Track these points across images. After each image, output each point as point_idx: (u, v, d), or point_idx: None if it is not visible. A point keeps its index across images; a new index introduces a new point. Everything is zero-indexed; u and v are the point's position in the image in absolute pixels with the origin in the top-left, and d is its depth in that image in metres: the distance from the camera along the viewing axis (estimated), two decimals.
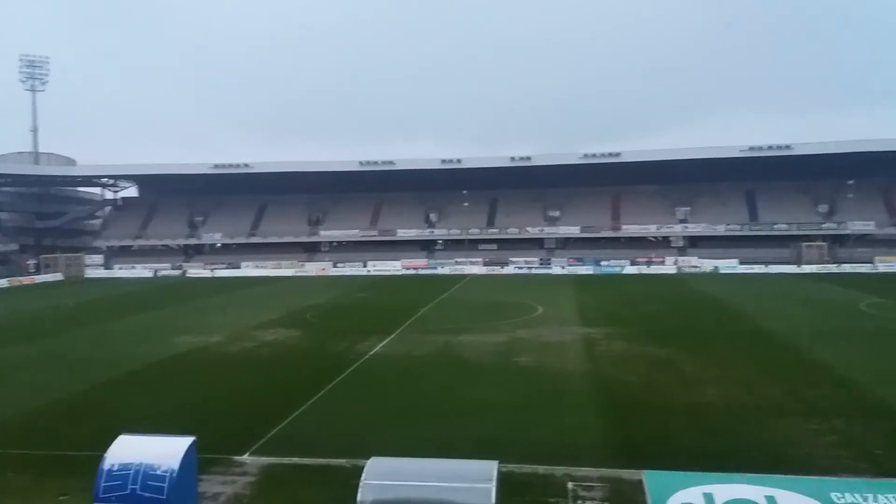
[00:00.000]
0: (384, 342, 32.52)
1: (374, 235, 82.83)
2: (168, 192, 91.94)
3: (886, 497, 9.50)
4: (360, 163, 77.48)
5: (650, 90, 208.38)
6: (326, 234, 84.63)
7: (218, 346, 32.81)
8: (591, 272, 71.37)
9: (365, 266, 78.15)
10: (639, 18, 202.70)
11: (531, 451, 17.10)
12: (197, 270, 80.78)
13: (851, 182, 70.04)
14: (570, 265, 73.58)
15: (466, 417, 20.30)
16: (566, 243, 79.08)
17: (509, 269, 74.09)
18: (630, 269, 71.12)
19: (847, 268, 66.97)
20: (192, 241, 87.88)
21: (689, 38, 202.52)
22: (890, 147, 67.60)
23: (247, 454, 17.31)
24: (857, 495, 9.52)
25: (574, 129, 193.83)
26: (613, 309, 43.66)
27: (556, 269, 73.25)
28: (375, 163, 77.31)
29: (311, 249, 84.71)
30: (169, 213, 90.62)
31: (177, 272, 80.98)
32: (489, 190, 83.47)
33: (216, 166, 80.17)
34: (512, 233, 79.33)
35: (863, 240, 72.35)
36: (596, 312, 41.91)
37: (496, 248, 79.61)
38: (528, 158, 74.55)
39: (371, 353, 30.13)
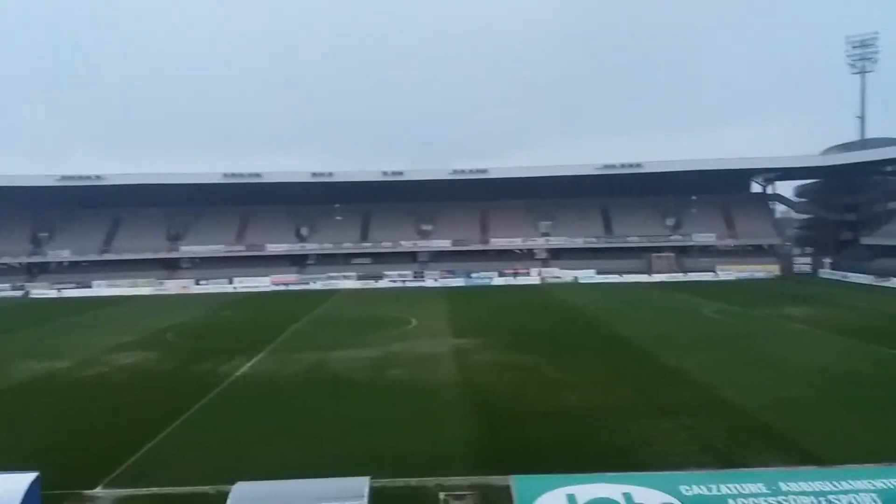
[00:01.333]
0: (251, 362, 31.32)
1: (241, 250, 79.77)
2: (8, 207, 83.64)
3: (728, 486, 10.37)
4: (225, 175, 74.47)
5: (519, 111, 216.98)
6: (188, 249, 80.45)
7: (67, 373, 30.16)
8: (462, 284, 72.92)
9: (231, 283, 75.01)
10: (507, 44, 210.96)
11: (403, 464, 17.10)
12: (42, 291, 73.93)
13: (695, 198, 76.59)
14: (442, 278, 74.74)
15: (338, 435, 19.97)
16: (438, 256, 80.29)
17: (383, 283, 74.04)
18: (498, 281, 73.42)
19: (692, 276, 72.87)
20: (37, 259, 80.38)
21: (554, 64, 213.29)
22: (726, 166, 74.73)
23: (99, 487, 16.02)
24: (703, 487, 10.32)
25: (446, 144, 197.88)
26: (483, 319, 44.76)
27: (429, 282, 74.12)
28: (241, 175, 74.64)
29: (171, 266, 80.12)
30: (9, 229, 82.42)
31: (18, 293, 73.68)
32: (362, 204, 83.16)
33: (63, 178, 73.94)
34: (385, 246, 79.42)
35: (705, 250, 79.19)
36: (467, 323, 42.77)
37: (370, 262, 79.31)
38: (401, 173, 75.13)
39: (237, 374, 28.90)
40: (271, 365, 30.66)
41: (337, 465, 16.18)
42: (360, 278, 75.12)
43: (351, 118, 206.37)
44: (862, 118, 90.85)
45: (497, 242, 79.56)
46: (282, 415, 22.40)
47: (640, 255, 77.00)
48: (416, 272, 76.69)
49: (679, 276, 72.65)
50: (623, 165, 73.69)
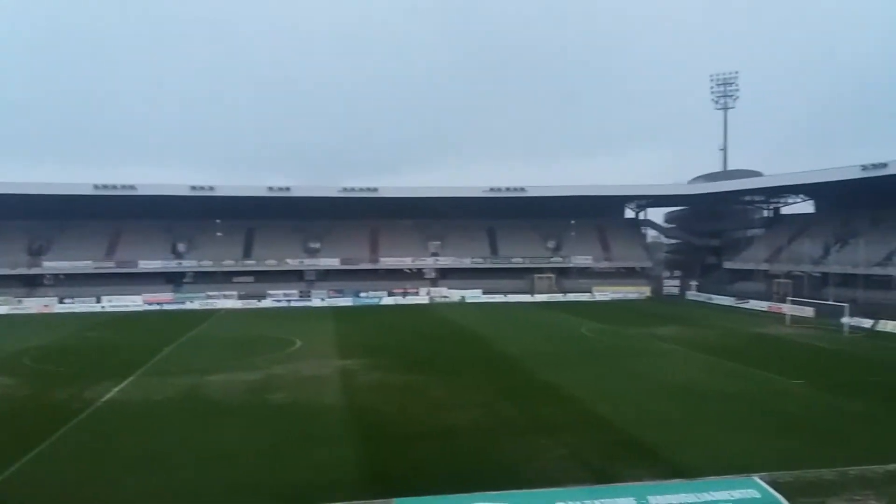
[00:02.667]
0: (119, 387, 29.26)
1: (111, 267, 74.66)
2: None
3: (601, 501, 10.75)
4: (95, 186, 69.66)
5: (412, 132, 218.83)
6: (51, 265, 74.34)
7: None
8: (350, 303, 71.97)
9: (99, 301, 69.92)
10: (397, 68, 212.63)
11: (283, 492, 16.52)
12: None
13: (574, 222, 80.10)
14: (330, 297, 73.42)
15: (214, 464, 18.99)
16: (326, 275, 78.89)
17: (267, 303, 71.69)
18: (387, 300, 73.14)
19: (571, 296, 75.93)
20: None
21: (447, 91, 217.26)
22: (603, 192, 78.83)
23: None
24: (578, 503, 10.64)
25: (336, 162, 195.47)
26: (371, 340, 44.36)
27: (316, 302, 72.56)
28: (113, 187, 70.05)
29: (30, 283, 73.69)
30: None
31: None
32: (245, 220, 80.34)
33: None
34: (270, 264, 77.03)
35: (583, 272, 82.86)
36: (354, 344, 42.19)
37: (253, 280, 76.58)
38: (288, 189, 73.40)
39: (103, 399, 26.90)
40: (141, 390, 28.77)
41: (211, 497, 15.37)
42: (241, 297, 72.36)
43: (237, 133, 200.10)
44: (724, 151, 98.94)
45: (386, 262, 79.33)
46: (152, 444, 21.01)
47: (523, 276, 79.33)
48: (302, 291, 74.89)
49: (559, 297, 75.44)
50: (508, 189, 75.92)
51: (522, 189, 75.95)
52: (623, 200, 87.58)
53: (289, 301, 72.58)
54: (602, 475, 17.17)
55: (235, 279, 76.05)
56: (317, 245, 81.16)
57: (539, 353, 37.90)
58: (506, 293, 74.99)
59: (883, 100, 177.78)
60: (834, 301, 51.02)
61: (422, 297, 74.42)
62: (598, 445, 20.49)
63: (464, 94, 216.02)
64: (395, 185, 79.31)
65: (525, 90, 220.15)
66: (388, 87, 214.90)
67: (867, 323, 48.14)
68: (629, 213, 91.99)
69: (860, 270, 57.15)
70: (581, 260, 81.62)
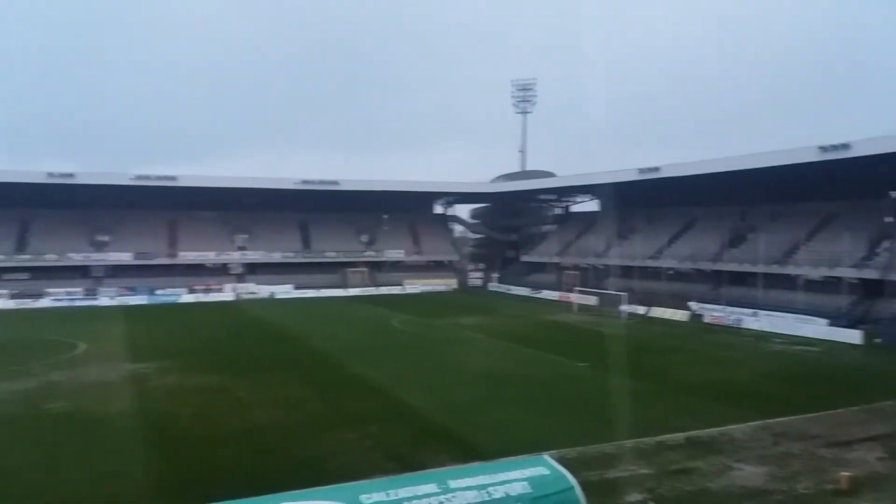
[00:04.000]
0: None
1: None
2: None
3: (405, 490, 10.94)
4: None
5: (219, 117, 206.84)
6: None
7: None
8: (145, 302, 66.47)
9: None
10: (201, 53, 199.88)
11: None
12: None
13: (386, 216, 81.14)
14: (121, 295, 67.24)
15: None
16: (117, 271, 72.11)
17: (45, 302, 63.93)
18: (188, 298, 68.60)
19: (384, 290, 76.85)
20: None
21: (258, 74, 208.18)
22: (413, 188, 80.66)
23: None
24: (382, 493, 10.74)
25: (127, 149, 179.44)
26: (167, 341, 41.42)
27: (104, 301, 65.99)
28: None
29: None
30: None
31: None
32: (19, 209, 71.01)
33: None
34: (50, 259, 68.77)
35: (395, 265, 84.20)
36: (148, 346, 39.10)
37: (28, 277, 67.83)
38: (71, 175, 65.86)
39: None
40: None
41: None
42: (14, 297, 63.92)
43: (17, 115, 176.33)
44: (523, 152, 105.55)
45: (187, 256, 74.37)
46: None
47: (335, 270, 78.77)
48: (88, 289, 67.87)
49: (372, 290, 75.98)
50: (321, 182, 74.80)
51: (336, 182, 75.25)
52: (433, 196, 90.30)
53: (72, 300, 65.40)
54: (407, 464, 17.61)
55: (6, 276, 66.95)
56: (105, 238, 73.95)
57: (350, 348, 37.91)
58: (318, 288, 73.93)
59: (656, 108, 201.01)
60: (614, 290, 56.78)
61: (227, 294, 70.92)
62: (404, 435, 20.98)
63: (276, 85, 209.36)
64: (198, 174, 74.39)
65: (340, 85, 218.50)
66: (191, 74, 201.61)
67: (642, 310, 54.18)
68: (438, 209, 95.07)
69: (637, 263, 64.16)
70: (393, 254, 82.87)
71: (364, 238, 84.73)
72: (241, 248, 77.97)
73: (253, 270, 76.95)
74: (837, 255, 46.59)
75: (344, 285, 76.46)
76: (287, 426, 21.91)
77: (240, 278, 75.57)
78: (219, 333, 45.19)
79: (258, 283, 73.74)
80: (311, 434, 20.95)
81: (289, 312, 56.76)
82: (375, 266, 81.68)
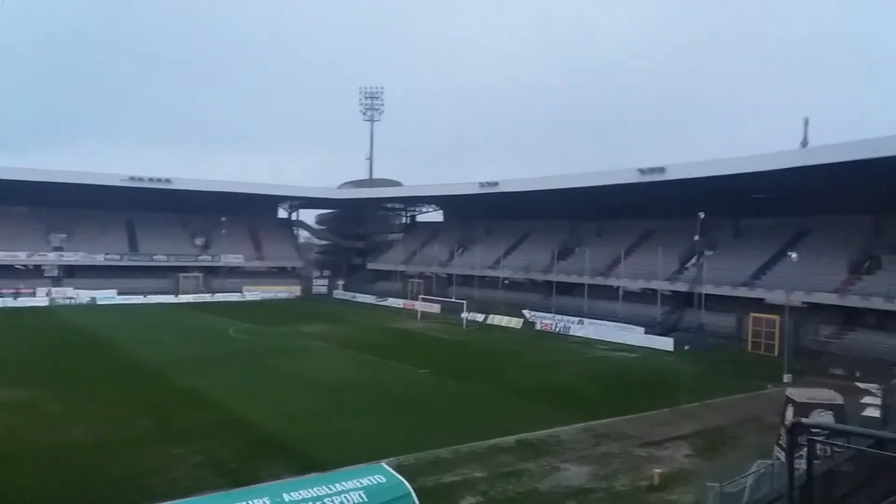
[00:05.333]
0: None
1: None
2: None
3: None
4: None
5: (28, 106, 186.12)
6: None
7: None
8: None
9: None
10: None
11: None
12: None
13: (224, 219, 77.28)
14: None
15: None
16: None
17: None
18: None
19: (220, 297, 73.06)
20: None
21: (76, 67, 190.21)
22: (256, 191, 77.59)
23: None
24: None
25: None
26: None
27: None
28: None
29: None
30: None
31: None
32: None
33: None
34: None
35: (234, 271, 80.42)
36: None
37: None
38: None
39: None
40: None
41: None
42: None
43: None
44: (371, 160, 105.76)
45: None
46: None
47: (167, 275, 73.88)
48: None
49: (207, 297, 72.09)
50: (151, 179, 69.78)
51: (168, 180, 70.51)
52: (276, 200, 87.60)
53: None
54: (239, 478, 16.84)
55: None
56: None
57: (181, 358, 35.71)
58: (146, 294, 68.77)
59: (502, 126, 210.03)
60: (456, 298, 58.38)
61: (40, 299, 63.99)
62: (237, 448, 20.11)
63: (101, 73, 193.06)
64: (9, 164, 66.32)
65: (175, 78, 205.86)
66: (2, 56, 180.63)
67: (480, 317, 56.15)
68: (282, 213, 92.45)
69: (476, 272, 66.45)
70: (232, 259, 79.16)
71: (199, 241, 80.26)
72: (58, 249, 70.83)
73: (71, 273, 70.14)
74: (653, 269, 51.22)
75: (176, 291, 71.82)
76: (106, 443, 20.15)
77: (55, 281, 68.55)
78: (29, 342, 40.82)
79: (77, 288, 67.21)
80: (133, 451, 19.43)
81: (112, 320, 52.32)
82: (212, 271, 77.62)
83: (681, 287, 49.68)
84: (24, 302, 62.49)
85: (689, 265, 51.47)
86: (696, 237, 47.11)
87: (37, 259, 69.46)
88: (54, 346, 39.97)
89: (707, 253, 48.56)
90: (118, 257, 72.63)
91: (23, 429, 21.51)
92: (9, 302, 61.73)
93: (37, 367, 32.65)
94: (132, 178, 68.40)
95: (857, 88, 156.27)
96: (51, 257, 70.08)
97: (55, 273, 70.04)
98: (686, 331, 45.77)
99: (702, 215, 46.14)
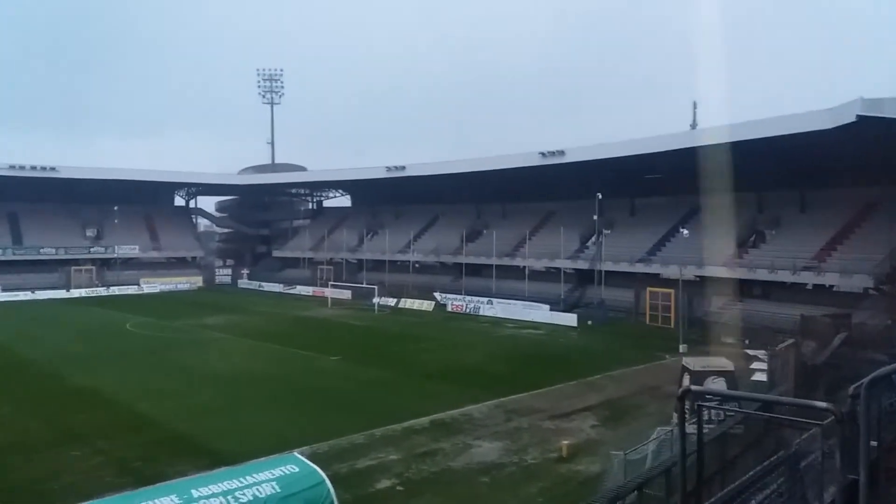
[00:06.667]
0: None
1: None
2: None
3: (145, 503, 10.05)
4: None
5: None
6: None
7: None
8: None
9: None
10: None
11: None
12: None
13: (117, 208, 73.18)
14: None
15: None
16: None
17: None
18: None
19: (116, 290, 69.20)
20: None
21: None
22: (150, 178, 73.85)
23: None
24: None
25: None
26: None
27: None
28: None
29: None
30: None
31: None
32: None
33: None
34: None
35: (129, 263, 76.34)
36: None
37: None
38: None
39: None
40: None
41: None
42: None
43: None
44: (272, 144, 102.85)
45: None
46: None
47: (56, 269, 69.33)
48: None
49: (101, 291, 68.23)
50: (34, 168, 65.09)
51: (53, 168, 65.98)
52: (172, 187, 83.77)
53: None
54: (143, 477, 16.16)
55: None
56: None
57: (73, 356, 33.70)
58: (34, 289, 64.26)
59: (407, 111, 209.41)
60: (367, 284, 58.06)
61: None
62: (139, 447, 19.26)
63: None
64: None
65: (66, 62, 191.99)
66: None
67: (392, 301, 56.12)
68: (179, 201, 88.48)
69: (387, 257, 66.28)
70: (127, 250, 75.08)
71: (90, 232, 75.70)
72: None
73: None
74: (556, 249, 52.85)
75: (67, 286, 67.56)
76: None
77: None
78: None
79: None
80: (24, 456, 18.25)
81: None
82: (105, 264, 73.45)
83: (582, 265, 51.54)
84: None
85: (589, 244, 53.43)
86: (595, 217, 48.92)
87: None
88: None
89: (605, 232, 50.61)
90: (1, 251, 67.42)
91: None
92: None
93: None
94: (12, 167, 63.63)
95: (745, 74, 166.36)
96: None
97: None
98: (588, 307, 47.60)
99: (600, 196, 47.93)
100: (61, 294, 65.25)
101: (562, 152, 49.70)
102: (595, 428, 21.27)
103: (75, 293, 66.13)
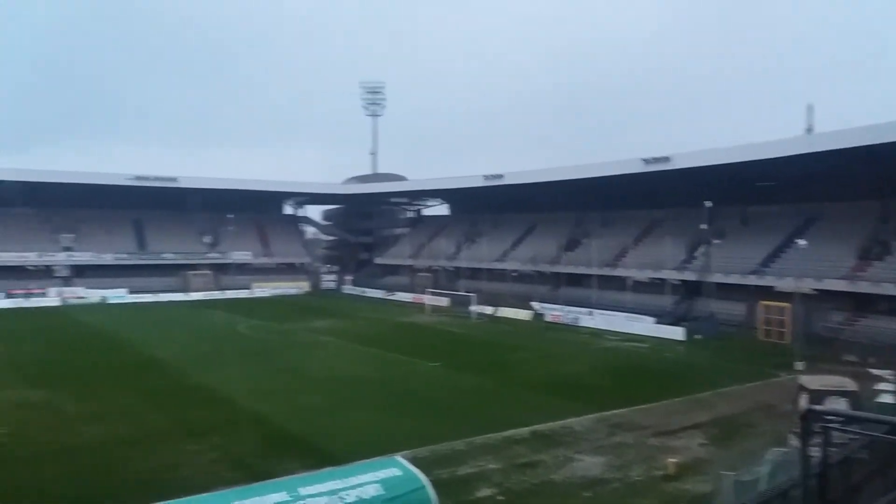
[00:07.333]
0: None
1: None
2: None
3: (252, 499, 10.51)
4: None
5: (34, 106, 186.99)
6: None
7: None
8: None
9: None
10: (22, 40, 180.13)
11: None
12: None
13: (231, 216, 77.49)
14: None
15: None
16: None
17: None
18: (5, 303, 61.31)
19: (230, 294, 73.38)
20: None
21: (81, 65, 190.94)
22: (262, 188, 77.90)
23: None
24: None
25: None
26: None
27: None
28: None
29: None
30: None
31: None
32: None
33: None
34: None
35: (242, 268, 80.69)
36: None
37: None
38: None
39: None
40: None
41: None
42: None
43: None
44: (374, 154, 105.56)
45: (3, 257, 66.61)
46: None
47: (176, 273, 74.15)
48: None
49: (216, 294, 72.32)
50: (158, 178, 70.04)
51: (174, 179, 70.75)
52: (282, 197, 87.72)
53: None
54: (255, 473, 16.90)
55: None
56: None
57: (192, 355, 35.86)
58: (156, 292, 69.00)
59: (501, 118, 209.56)
60: (464, 291, 58.35)
61: (51, 299, 64.32)
62: (251, 443, 20.18)
63: (107, 74, 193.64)
64: (15, 166, 66.56)
65: (177, 77, 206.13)
66: (6, 57, 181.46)
67: (489, 310, 56.09)
68: (288, 210, 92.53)
69: (484, 265, 66.40)
70: (240, 256, 79.37)
71: (207, 239, 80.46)
72: (67, 249, 71.17)
73: (81, 273, 70.45)
74: (661, 259, 51.06)
75: (185, 289, 72.07)
76: (120, 441, 20.23)
77: (66, 281, 68.88)
78: (43, 342, 41.05)
79: (88, 287, 67.55)
80: (146, 448, 19.53)
81: (123, 318, 52.58)
82: (220, 269, 77.83)
83: (689, 276, 49.49)
84: (36, 302, 62.82)
85: (697, 254, 51.27)
86: (704, 226, 46.90)
87: (46, 259, 69.85)
88: (67, 345, 40.18)
89: (715, 241, 48.35)
90: (127, 256, 72.97)
91: (39, 428, 21.62)
92: (21, 302, 62.08)
93: (51, 366, 32.84)
94: (138, 178, 68.71)
95: (860, 80, 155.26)
96: (60, 257, 70.46)
97: (65, 273, 70.34)
98: (696, 320, 45.62)
99: (709, 204, 45.94)
100: (180, 297, 69.60)
101: (666, 158, 48.03)
102: (704, 446, 20.31)
103: (193, 296, 70.37)
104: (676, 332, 42.98)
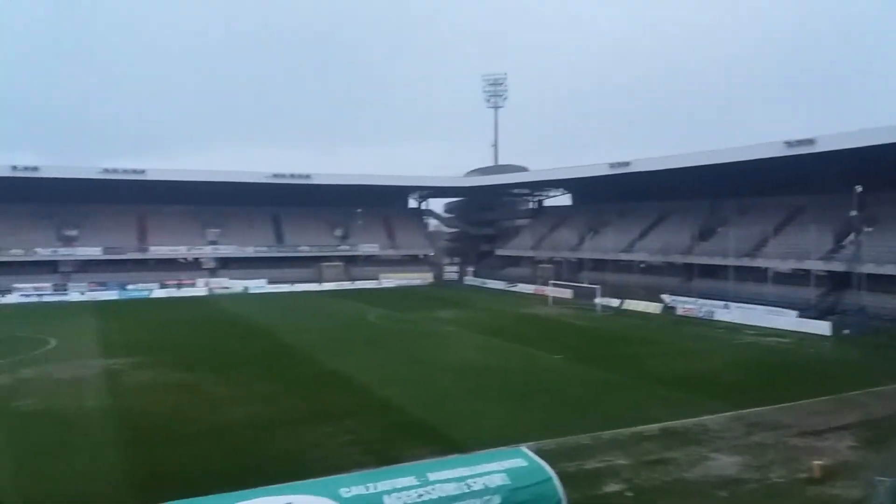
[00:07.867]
0: None
1: None
2: None
3: (383, 483, 10.93)
4: None
5: (185, 113, 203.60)
6: None
7: None
8: (116, 297, 65.29)
9: None
10: (169, 45, 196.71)
11: None
12: None
13: (360, 210, 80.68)
14: (91, 290, 65.97)
15: None
16: (86, 266, 70.70)
17: (13, 298, 62.36)
18: (159, 293, 67.56)
19: (359, 284, 76.49)
20: None
21: (221, 69, 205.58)
22: (387, 182, 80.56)
23: None
24: (361, 487, 10.71)
25: (94, 141, 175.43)
26: (140, 336, 40.78)
27: (74, 296, 64.70)
28: None
29: None
30: None
31: None
32: None
33: None
34: (16, 254, 67.19)
35: (370, 260, 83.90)
36: (120, 341, 38.45)
37: None
38: (36, 168, 64.34)
39: None
40: None
41: None
42: None
43: None
44: (496, 146, 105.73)
45: (158, 251, 73.27)
46: None
47: (310, 265, 78.20)
48: (56, 284, 66.51)
49: (347, 285, 75.57)
50: (293, 175, 74.02)
51: (308, 176, 74.52)
52: (406, 191, 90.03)
53: (40, 296, 63.98)
54: (384, 457, 17.54)
55: None
56: (74, 232, 72.50)
57: (326, 342, 37.69)
58: (293, 282, 73.20)
59: (625, 105, 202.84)
60: (588, 283, 57.19)
61: (200, 289, 69.99)
62: (381, 429, 20.93)
63: (247, 79, 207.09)
64: (167, 167, 72.99)
65: (311, 79, 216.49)
66: (159, 65, 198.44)
67: (615, 302, 54.65)
68: (412, 203, 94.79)
69: (609, 256, 64.70)
70: (368, 248, 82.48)
71: (338, 232, 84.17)
72: (213, 243, 77.00)
73: (226, 265, 76.06)
74: (805, 248, 47.47)
75: (319, 280, 75.90)
76: (261, 422, 21.70)
77: (212, 273, 74.61)
78: (192, 328, 44.61)
79: (231, 278, 72.88)
80: (286, 430, 20.80)
81: (263, 307, 56.23)
82: (350, 260, 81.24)
83: (837, 267, 45.68)
84: (186, 292, 68.61)
85: (845, 243, 47.19)
86: (853, 212, 43.10)
87: (195, 252, 75.97)
88: (214, 331, 43.52)
89: (866, 229, 44.27)
90: (266, 249, 77.79)
91: (189, 408, 23.54)
92: (173, 292, 68.07)
93: (199, 350, 35.74)
94: (276, 175, 72.95)
95: None
96: (207, 250, 76.36)
97: (211, 265, 76.19)
98: (845, 313, 42.06)
99: (859, 188, 42.13)
100: (314, 287, 73.38)
101: (811, 141, 44.46)
102: (853, 449, 18.73)
103: (325, 286, 73.99)
104: (822, 327, 39.89)
